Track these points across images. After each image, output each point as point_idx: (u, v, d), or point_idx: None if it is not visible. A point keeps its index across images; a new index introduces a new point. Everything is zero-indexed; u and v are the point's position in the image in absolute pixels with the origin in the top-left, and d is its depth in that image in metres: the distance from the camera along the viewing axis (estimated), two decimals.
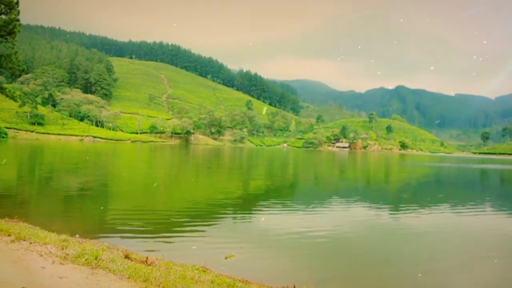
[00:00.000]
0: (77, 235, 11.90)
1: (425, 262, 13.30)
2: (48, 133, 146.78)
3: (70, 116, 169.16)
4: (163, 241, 14.32)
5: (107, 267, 7.95)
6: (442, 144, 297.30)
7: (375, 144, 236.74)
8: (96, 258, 8.34)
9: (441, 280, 11.72)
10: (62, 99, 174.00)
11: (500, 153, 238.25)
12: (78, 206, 20.47)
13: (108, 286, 6.95)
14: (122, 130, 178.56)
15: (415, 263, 13.13)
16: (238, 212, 20.70)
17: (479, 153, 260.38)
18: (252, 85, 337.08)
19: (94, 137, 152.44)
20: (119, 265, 8.31)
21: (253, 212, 21.10)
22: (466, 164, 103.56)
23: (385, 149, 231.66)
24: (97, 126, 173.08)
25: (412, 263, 13.23)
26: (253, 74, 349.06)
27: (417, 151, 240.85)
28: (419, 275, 11.95)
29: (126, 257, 9.68)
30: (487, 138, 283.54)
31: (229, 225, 17.72)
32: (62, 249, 8.96)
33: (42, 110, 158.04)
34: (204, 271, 10.08)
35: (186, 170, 48.40)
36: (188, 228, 16.40)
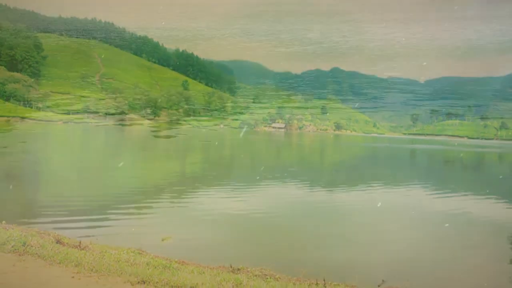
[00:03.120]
0: (4, 222, 11.32)
1: (358, 241, 13.94)
2: None
3: None
4: (98, 226, 14.00)
5: (36, 253, 7.67)
6: (374, 125, 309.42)
7: (310, 124, 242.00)
8: (23, 245, 8.00)
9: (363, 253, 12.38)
10: None
11: (427, 134, 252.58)
12: (5, 192, 19.43)
13: (37, 272, 6.71)
14: (53, 111, 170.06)
15: (347, 242, 13.70)
16: (174, 195, 20.55)
17: (409, 133, 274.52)
18: (188, 65, 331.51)
19: (22, 118, 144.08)
20: (49, 250, 8.04)
21: (189, 195, 21.05)
22: (398, 144, 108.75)
23: (320, 129, 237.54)
24: (25, 106, 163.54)
25: (345, 242, 13.80)
26: (189, 53, 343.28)
27: (351, 131, 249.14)
28: (350, 254, 12.52)
29: (58, 242, 9.37)
30: (416, 120, 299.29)
31: (166, 208, 17.59)
32: None
33: None
34: (139, 253, 9.97)
35: (121, 153, 47.21)
36: (124, 212, 16.11)
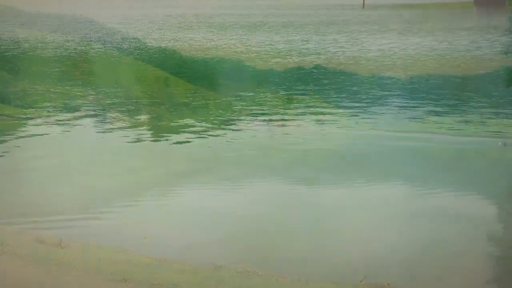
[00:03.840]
0: None
1: (342, 237, 14.01)
2: None
3: None
4: (80, 224, 13.81)
5: (14, 253, 7.56)
6: (356, 122, 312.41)
7: (293, 121, 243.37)
8: (1, 244, 7.88)
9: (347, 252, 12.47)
10: None
11: (409, 131, 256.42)
12: None
13: (15, 272, 6.61)
14: (32, 108, 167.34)
15: (332, 239, 13.78)
16: (157, 191, 20.39)
17: (391, 131, 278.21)
18: (171, 62, 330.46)
19: (0, 114, 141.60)
20: (28, 249, 7.93)
21: (172, 191, 20.89)
22: (380, 141, 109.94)
23: (303, 126, 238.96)
24: (4, 103, 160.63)
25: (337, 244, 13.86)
26: (172, 50, 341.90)
27: (333, 128, 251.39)
28: (333, 250, 12.60)
29: (37, 241, 9.26)
30: (399, 116, 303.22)
31: (148, 205, 17.43)
32: None
33: None
34: (121, 252, 9.90)
35: (101, 150, 46.72)
36: (106, 210, 15.94)
